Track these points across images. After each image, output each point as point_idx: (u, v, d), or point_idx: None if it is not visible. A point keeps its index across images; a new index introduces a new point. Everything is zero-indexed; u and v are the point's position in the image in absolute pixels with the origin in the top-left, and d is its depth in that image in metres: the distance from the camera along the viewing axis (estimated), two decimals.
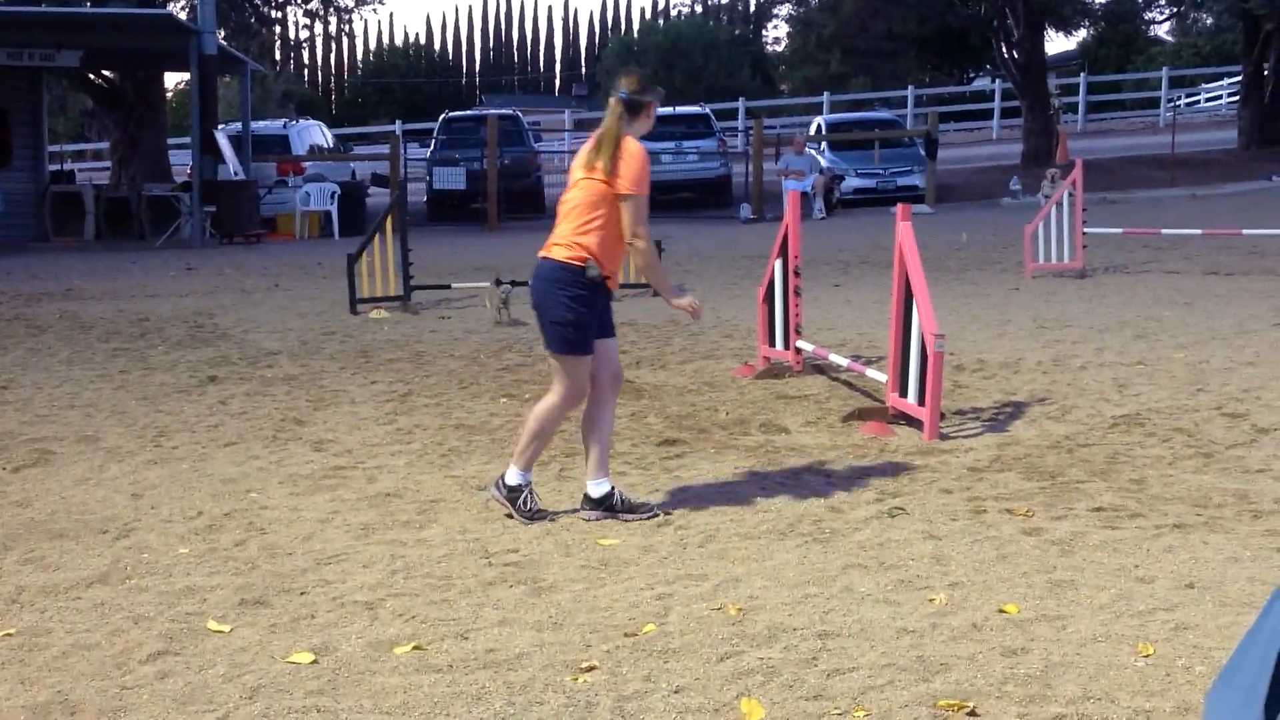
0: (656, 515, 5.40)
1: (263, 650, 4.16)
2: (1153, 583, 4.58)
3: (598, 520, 5.37)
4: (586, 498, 5.46)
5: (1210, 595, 4.44)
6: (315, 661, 4.05)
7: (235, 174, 21.94)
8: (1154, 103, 39.55)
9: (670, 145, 25.16)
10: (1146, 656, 3.96)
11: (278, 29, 46.85)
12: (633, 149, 5.23)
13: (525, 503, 5.43)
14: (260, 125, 25.06)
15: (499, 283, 10.99)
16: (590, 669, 3.95)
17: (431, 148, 25.68)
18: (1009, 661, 3.95)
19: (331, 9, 42.74)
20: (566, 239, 5.29)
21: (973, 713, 3.61)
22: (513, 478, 5.46)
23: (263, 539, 5.33)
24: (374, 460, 6.58)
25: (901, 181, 23.35)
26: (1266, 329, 9.56)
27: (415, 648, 4.14)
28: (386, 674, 3.95)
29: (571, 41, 73.68)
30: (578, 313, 5.25)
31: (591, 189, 5.26)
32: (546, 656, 4.06)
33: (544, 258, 5.36)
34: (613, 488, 5.45)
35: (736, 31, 52.98)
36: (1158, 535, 5.08)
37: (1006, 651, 4.02)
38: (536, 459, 5.55)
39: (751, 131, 24.47)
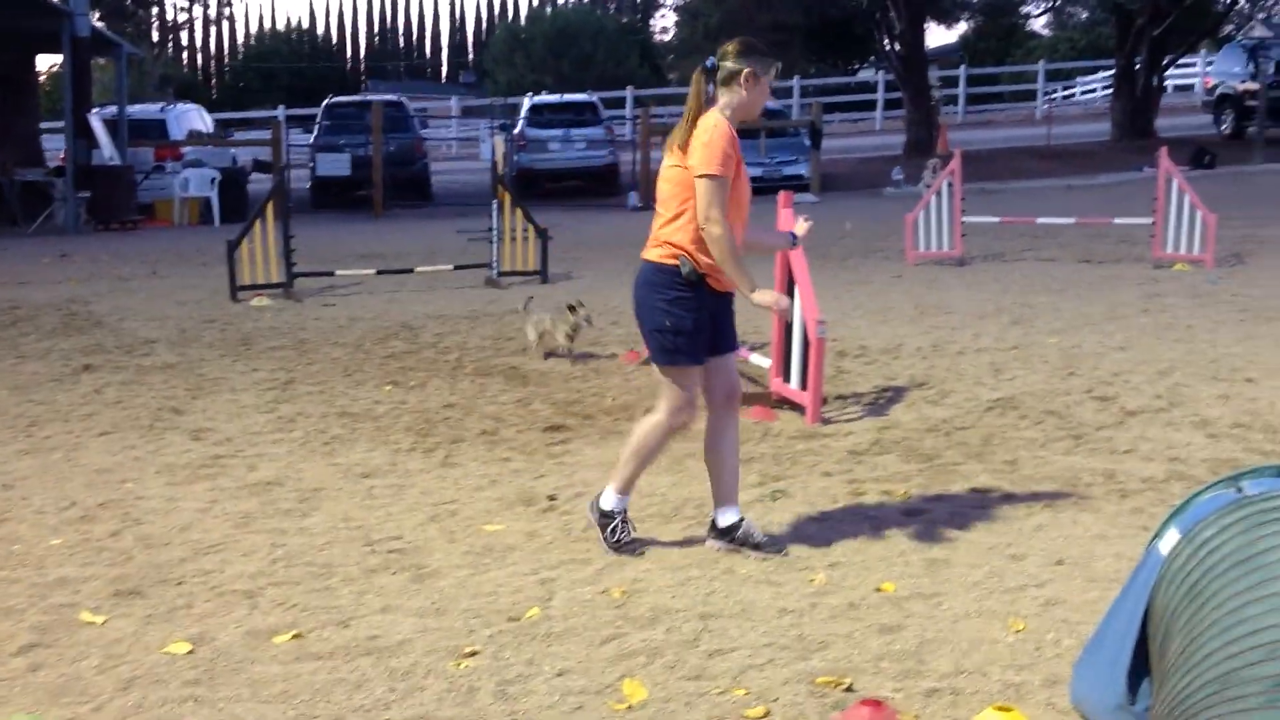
0: (785, 553, 4.78)
1: (138, 641, 4.09)
2: (1024, 560, 4.70)
3: (723, 551, 4.81)
4: (713, 525, 4.90)
5: (1079, 571, 4.58)
6: (192, 652, 4.00)
7: (111, 159, 21.37)
8: (1031, 95, 40.40)
9: (557, 134, 25.11)
10: (1017, 631, 4.08)
11: (155, 10, 45.84)
12: (709, 124, 4.55)
13: (614, 532, 4.85)
14: (137, 109, 24.41)
15: (574, 308, 8.58)
16: (473, 654, 3.95)
17: (315, 134, 25.30)
18: (885, 638, 4.04)
19: None
20: (657, 237, 4.68)
21: (849, 689, 3.68)
22: (607, 501, 4.88)
23: (138, 529, 5.23)
24: (254, 449, 6.49)
25: (787, 171, 23.54)
26: (1135, 315, 9.85)
27: (295, 636, 4.10)
28: (266, 663, 3.91)
29: (458, 28, 73.05)
30: (677, 317, 4.61)
31: (673, 177, 4.63)
32: (429, 642, 4.05)
33: (643, 260, 4.74)
34: (741, 519, 4.85)
35: (624, 20, 52.98)
36: (1029, 514, 5.22)
37: (883, 629, 4.11)
38: (634, 483, 4.93)
39: (639, 120, 24.50)
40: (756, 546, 4.77)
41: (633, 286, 4.79)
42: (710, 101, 4.64)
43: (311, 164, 24.31)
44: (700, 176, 4.49)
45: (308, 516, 5.37)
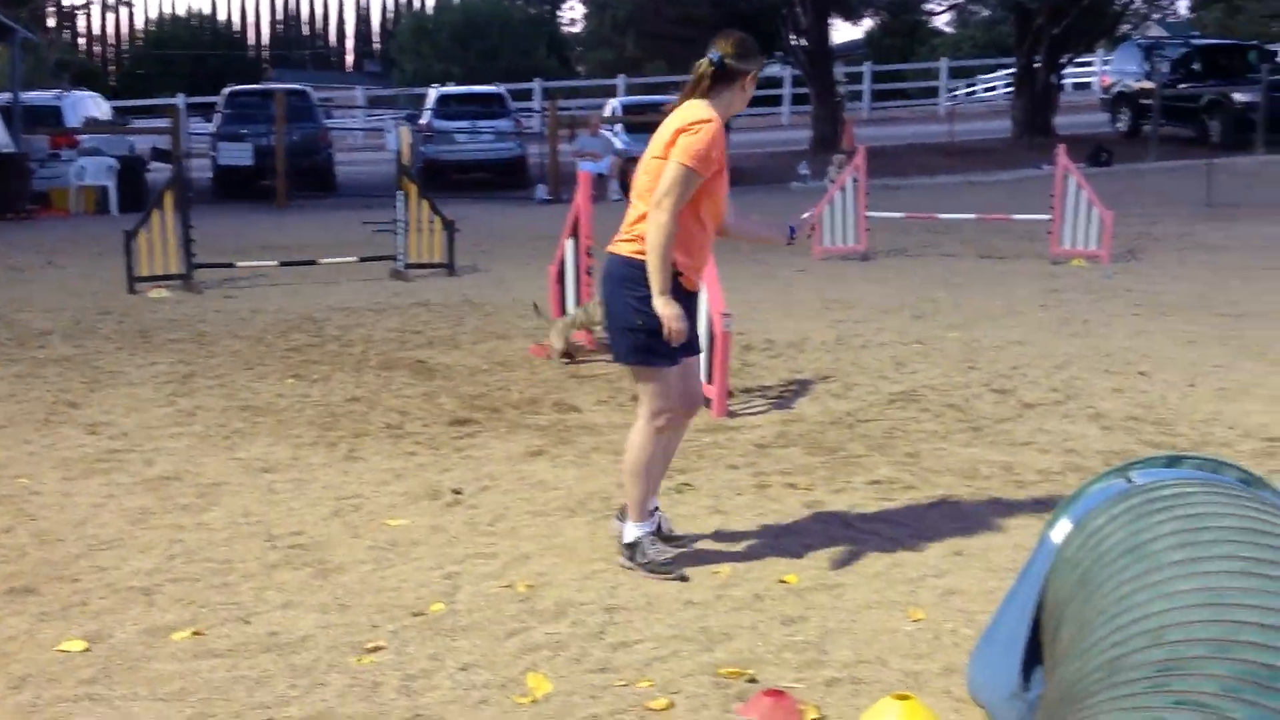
0: (682, 580, 4.50)
1: (31, 639, 4.00)
2: (924, 551, 4.78)
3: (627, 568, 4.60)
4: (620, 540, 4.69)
5: (977, 562, 4.67)
6: (88, 649, 3.92)
7: (4, 146, 20.83)
8: (935, 92, 40.98)
9: (465, 125, 24.96)
10: (917, 621, 4.14)
11: None
12: (699, 116, 4.33)
13: (643, 555, 4.58)
14: (31, 96, 23.82)
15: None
16: (376, 649, 3.93)
17: (216, 123, 24.89)
18: (788, 629, 4.08)
19: None
20: (630, 230, 4.43)
21: (752, 679, 3.72)
22: (629, 535, 4.62)
23: (33, 525, 5.11)
24: (152, 443, 6.37)
25: None
26: (1034, 310, 10.04)
27: (194, 633, 4.04)
28: (163, 660, 3.85)
29: (364, 17, 72.25)
30: (649, 316, 4.34)
31: (654, 169, 4.37)
32: (331, 638, 4.01)
33: (610, 253, 4.49)
34: (642, 536, 4.61)
35: (533, 11, 52.82)
36: (930, 505, 5.30)
37: (786, 620, 4.15)
38: (647, 503, 4.64)
39: (547, 112, 24.44)
40: (653, 569, 4.53)
41: (600, 280, 4.57)
42: (703, 95, 4.43)
43: (213, 153, 23.91)
44: (675, 162, 4.27)
45: (207, 512, 5.29)
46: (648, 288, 4.32)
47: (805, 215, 4.98)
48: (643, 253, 4.34)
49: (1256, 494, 3.45)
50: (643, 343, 4.39)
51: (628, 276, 4.39)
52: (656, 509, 4.79)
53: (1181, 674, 2.44)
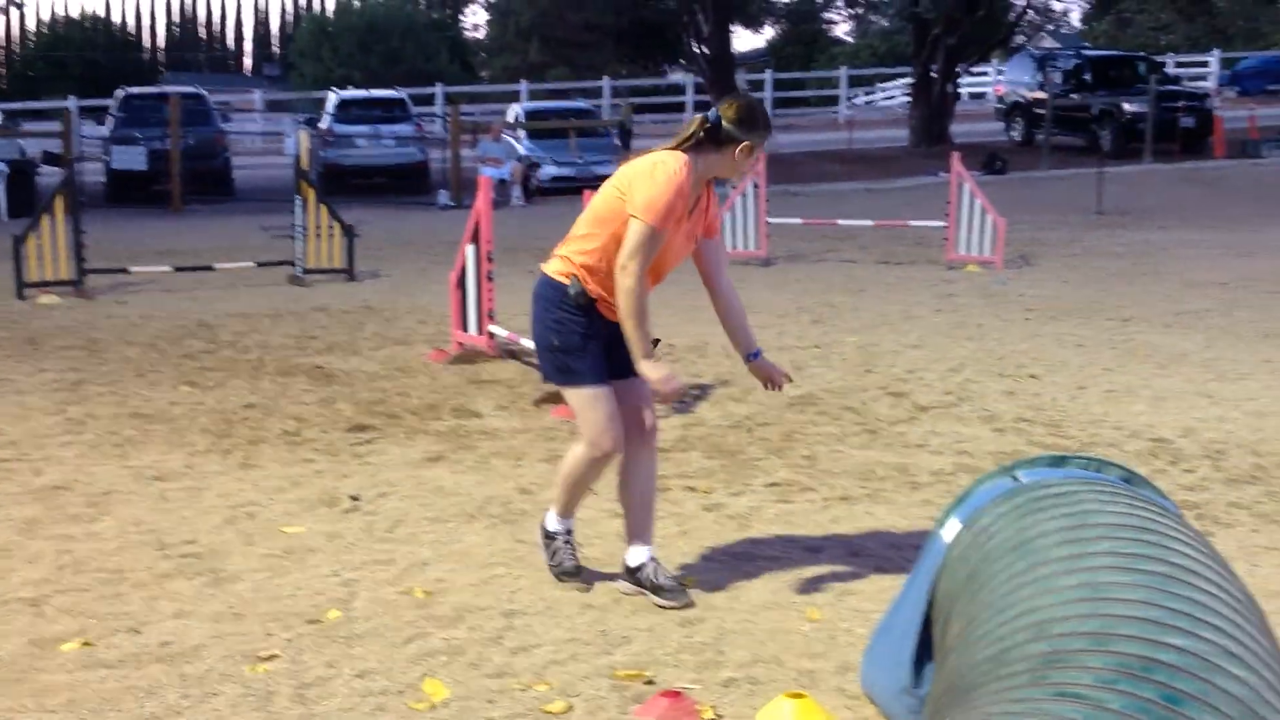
0: (689, 605, 4.34)
1: None
2: (820, 552, 4.85)
3: (632, 594, 4.44)
4: (624, 565, 4.53)
5: (872, 562, 4.74)
6: None
7: None
8: (835, 100, 41.47)
9: (366, 130, 24.74)
10: (813, 621, 4.20)
11: None
12: (667, 167, 4.16)
13: (554, 554, 4.60)
14: None
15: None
16: (271, 658, 3.89)
17: (110, 126, 24.40)
18: (685, 631, 4.11)
19: None
20: (561, 250, 4.36)
21: (650, 681, 3.74)
22: (550, 522, 4.63)
23: None
24: (41, 452, 6.23)
25: (598, 170, 23.60)
26: (929, 314, 10.21)
27: (84, 644, 3.97)
28: (52, 672, 3.78)
29: (263, 20, 71.33)
30: (564, 335, 4.27)
31: (609, 199, 4.24)
32: (225, 647, 3.96)
33: (541, 271, 4.43)
34: (649, 560, 4.46)
35: (435, 16, 52.49)
36: (826, 507, 5.37)
37: (683, 622, 4.19)
38: (575, 508, 4.62)
39: (449, 118, 24.32)
40: (657, 590, 4.38)
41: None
42: (688, 149, 4.26)
43: (106, 157, 23.43)
44: (638, 221, 4.13)
45: (98, 521, 5.19)
46: (562, 309, 4.28)
47: (777, 372, 4.65)
48: (563, 275, 4.30)
49: (1138, 492, 3.55)
50: (560, 362, 4.33)
51: (547, 296, 4.33)
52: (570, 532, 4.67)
53: (1062, 666, 2.51)
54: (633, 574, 4.46)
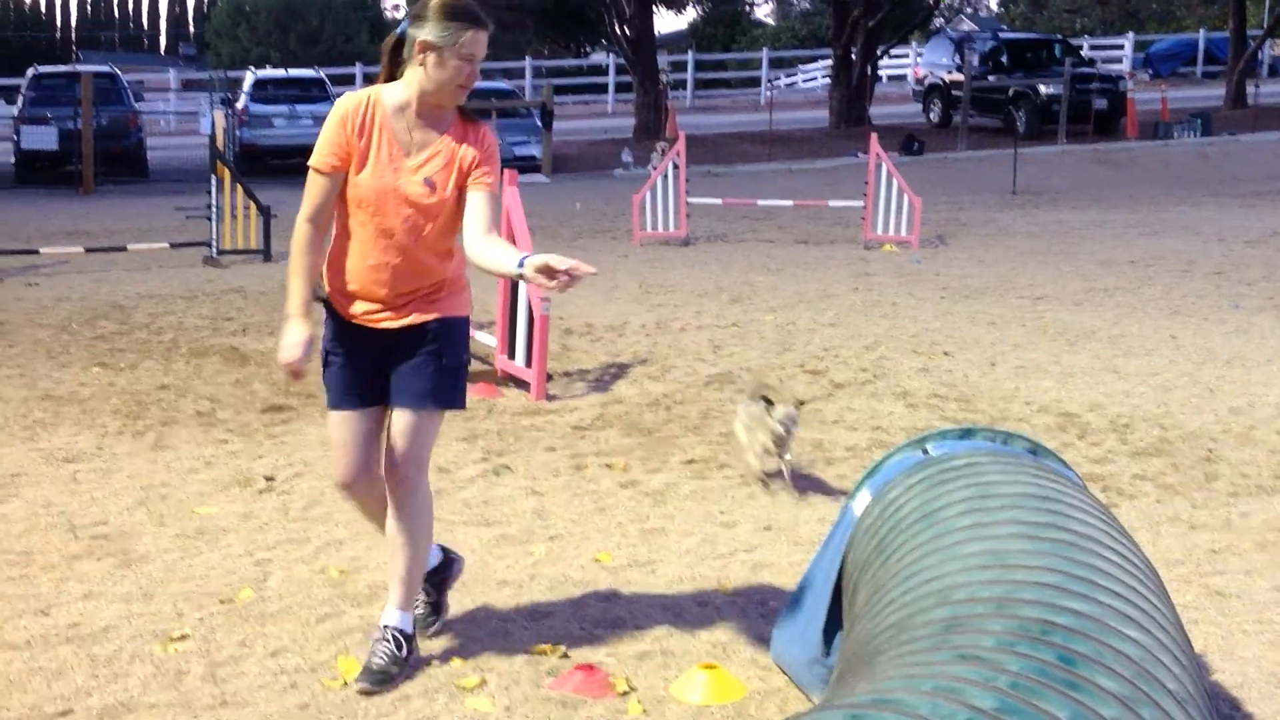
0: (371, 693, 3.53)
1: None
2: (735, 527, 4.89)
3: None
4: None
5: (785, 536, 4.80)
6: None
7: None
8: (756, 82, 41.62)
9: (283, 109, 24.44)
10: (726, 593, 4.24)
11: None
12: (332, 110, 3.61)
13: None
14: None
15: (768, 401, 5.35)
16: (182, 638, 3.85)
17: (19, 105, 23.88)
18: (601, 606, 4.14)
19: None
20: None
21: (565, 655, 3.76)
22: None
23: None
24: None
25: (519, 151, 23.58)
26: (846, 293, 10.32)
27: None
28: None
29: None
30: (322, 350, 3.68)
31: None
32: (135, 628, 3.92)
33: None
34: (388, 629, 3.66)
35: None
36: (742, 483, 5.42)
37: (599, 597, 4.21)
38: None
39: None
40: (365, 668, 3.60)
41: None
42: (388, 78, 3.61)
43: (15, 137, 22.94)
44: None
45: (5, 503, 5.10)
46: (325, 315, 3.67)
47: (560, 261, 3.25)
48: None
49: (1042, 463, 3.63)
50: (322, 375, 3.72)
51: None
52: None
53: (963, 630, 2.56)
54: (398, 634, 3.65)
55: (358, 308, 3.60)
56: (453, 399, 3.67)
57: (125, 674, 3.61)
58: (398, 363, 3.61)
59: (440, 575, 3.94)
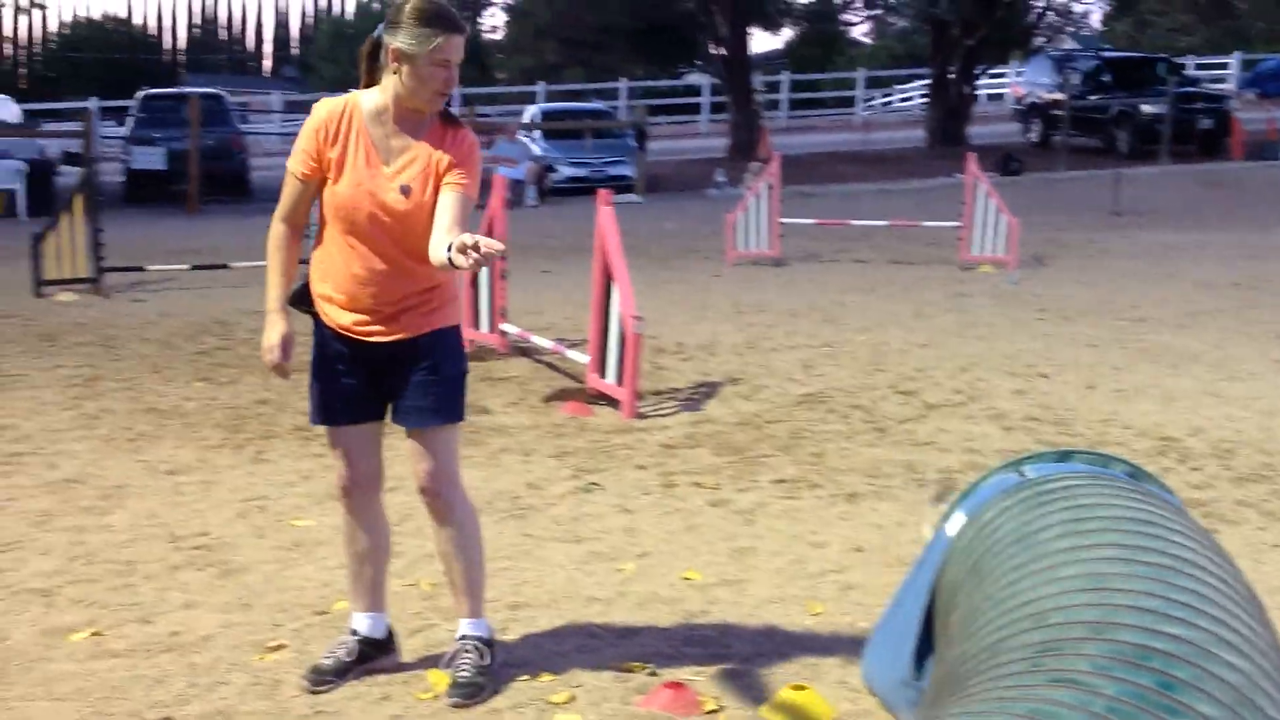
0: (312, 691, 3.62)
1: None
2: (825, 547, 4.86)
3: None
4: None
5: (876, 557, 4.76)
6: None
7: None
8: (851, 101, 41.43)
9: None
10: (816, 615, 4.22)
11: None
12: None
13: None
14: None
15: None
16: (279, 648, 3.92)
17: (129, 126, 24.54)
18: (690, 624, 4.13)
19: None
20: None
21: (653, 673, 3.76)
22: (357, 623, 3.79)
23: None
24: (55, 446, 6.28)
25: (612, 171, 23.70)
26: (940, 314, 10.21)
27: (93, 634, 4.01)
28: (61, 660, 3.81)
29: (283, 22, 71.57)
30: (311, 360, 3.71)
31: None
32: (233, 637, 4.00)
33: None
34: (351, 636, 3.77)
35: None
36: (832, 504, 5.39)
37: (688, 615, 4.21)
38: (359, 586, 3.82)
39: (466, 118, 24.36)
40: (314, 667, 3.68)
41: None
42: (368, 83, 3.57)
43: (125, 157, 23.56)
44: None
45: (110, 514, 5.23)
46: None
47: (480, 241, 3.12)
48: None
49: (1142, 486, 3.56)
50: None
51: None
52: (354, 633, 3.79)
53: (1059, 654, 2.52)
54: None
55: (346, 319, 3.57)
56: (457, 411, 3.63)
57: (223, 682, 3.68)
58: (396, 380, 3.57)
59: (371, 650, 3.76)
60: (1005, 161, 24.00)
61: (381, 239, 3.48)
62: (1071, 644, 2.59)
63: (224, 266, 12.50)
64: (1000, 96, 39.70)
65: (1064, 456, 3.75)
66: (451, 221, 3.39)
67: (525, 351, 8.57)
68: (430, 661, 3.82)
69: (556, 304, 10.75)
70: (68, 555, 4.73)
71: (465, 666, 3.63)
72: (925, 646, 3.57)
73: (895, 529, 5.06)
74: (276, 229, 3.63)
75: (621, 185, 22.24)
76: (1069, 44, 38.22)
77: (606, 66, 38.83)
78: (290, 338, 3.63)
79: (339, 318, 3.57)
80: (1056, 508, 3.33)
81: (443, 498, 3.63)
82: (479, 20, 53.59)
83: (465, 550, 3.68)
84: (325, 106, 3.55)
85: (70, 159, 22.87)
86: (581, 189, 23.21)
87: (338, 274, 3.54)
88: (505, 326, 8.54)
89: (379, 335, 3.54)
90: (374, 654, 3.77)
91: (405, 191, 3.45)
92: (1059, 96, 27.90)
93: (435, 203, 3.45)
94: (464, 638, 3.70)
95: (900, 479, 5.73)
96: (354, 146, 3.49)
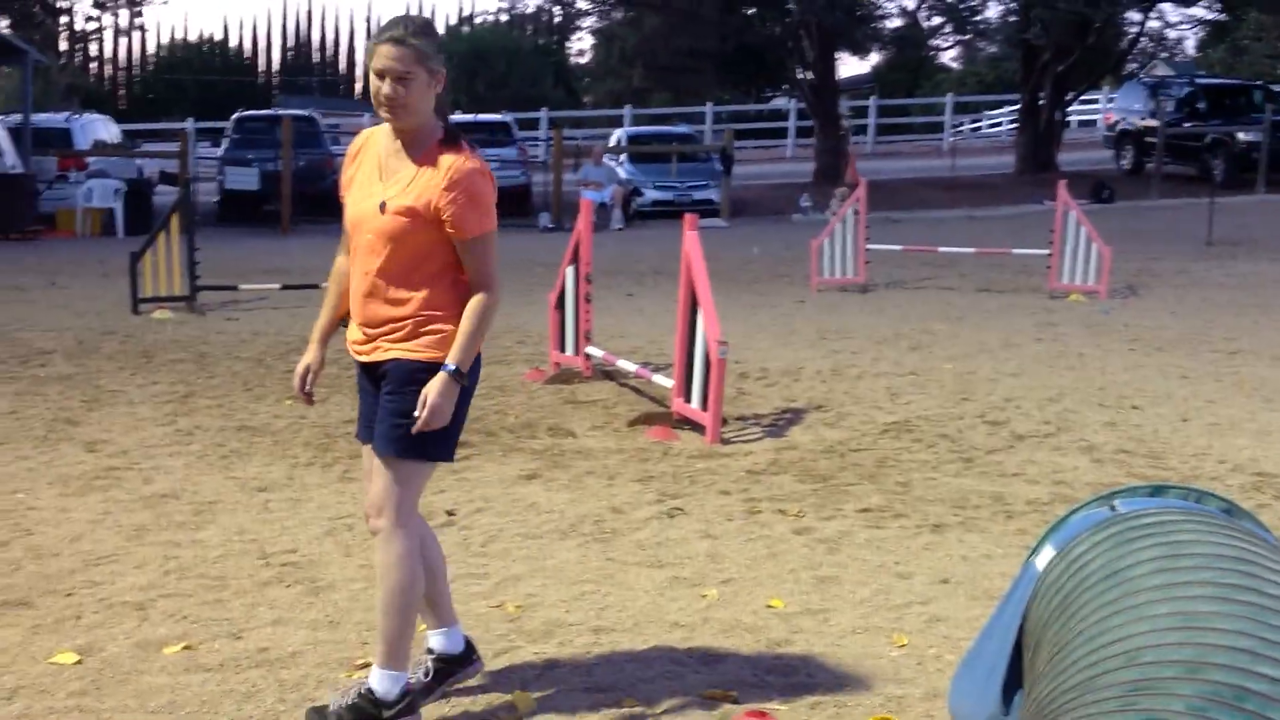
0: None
1: (24, 651, 4.04)
2: (911, 578, 4.82)
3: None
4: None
5: (963, 590, 4.70)
6: (79, 662, 3.96)
7: (13, 167, 20.99)
8: (939, 127, 41.14)
9: None
10: (901, 646, 4.18)
11: (64, 19, 45.07)
12: None
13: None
14: (41, 118, 24.01)
15: None
16: (365, 665, 3.95)
17: (224, 147, 25.06)
18: (773, 653, 4.12)
19: (122, 1, 41.26)
20: None
21: (735, 701, 3.75)
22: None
23: (28, 540, 5.16)
24: (150, 461, 6.42)
25: (698, 195, 23.76)
26: (1029, 343, 10.10)
27: (185, 648, 4.08)
28: (154, 674, 3.89)
29: None
30: None
31: None
32: (320, 654, 4.05)
33: None
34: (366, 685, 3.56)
35: (541, 42, 53.10)
36: (918, 534, 5.34)
37: (771, 643, 4.19)
38: (428, 609, 3.78)
39: (553, 141, 24.57)
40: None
41: None
42: None
43: (219, 177, 24.05)
44: None
45: (202, 529, 5.34)
46: None
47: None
48: None
49: (1237, 523, 3.49)
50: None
51: None
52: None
53: (1151, 693, 2.48)
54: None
55: (350, 335, 3.62)
56: (409, 448, 3.44)
57: (311, 699, 3.72)
58: (374, 400, 3.57)
59: (449, 665, 3.72)
60: (1097, 189, 23.69)
61: (371, 257, 3.50)
62: (1164, 683, 2.55)
63: (314, 286, 12.67)
64: (1091, 123, 39.23)
65: (1157, 491, 3.69)
66: (468, 273, 3.48)
67: (610, 375, 8.61)
68: (514, 685, 3.84)
69: (641, 328, 10.79)
70: (161, 569, 4.83)
71: (336, 707, 3.50)
72: (1013, 681, 3.53)
73: (983, 561, 5.00)
74: (337, 259, 3.74)
75: (706, 209, 22.27)
76: (1162, 70, 37.68)
77: (693, 90, 38.92)
78: (313, 367, 3.69)
79: (349, 334, 3.64)
80: (1149, 543, 3.28)
81: (377, 527, 3.52)
82: (567, 44, 54.04)
83: (386, 590, 3.50)
84: (365, 132, 3.68)
85: (167, 179, 23.42)
86: (666, 213, 23.30)
87: (350, 291, 3.61)
88: (590, 350, 8.58)
89: (363, 354, 3.56)
90: (453, 668, 3.78)
91: (381, 208, 3.46)
92: (1152, 123, 27.52)
93: (422, 228, 3.42)
94: (361, 682, 3.56)
95: (988, 510, 5.66)
96: (367, 164, 3.57)
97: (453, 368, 3.39)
